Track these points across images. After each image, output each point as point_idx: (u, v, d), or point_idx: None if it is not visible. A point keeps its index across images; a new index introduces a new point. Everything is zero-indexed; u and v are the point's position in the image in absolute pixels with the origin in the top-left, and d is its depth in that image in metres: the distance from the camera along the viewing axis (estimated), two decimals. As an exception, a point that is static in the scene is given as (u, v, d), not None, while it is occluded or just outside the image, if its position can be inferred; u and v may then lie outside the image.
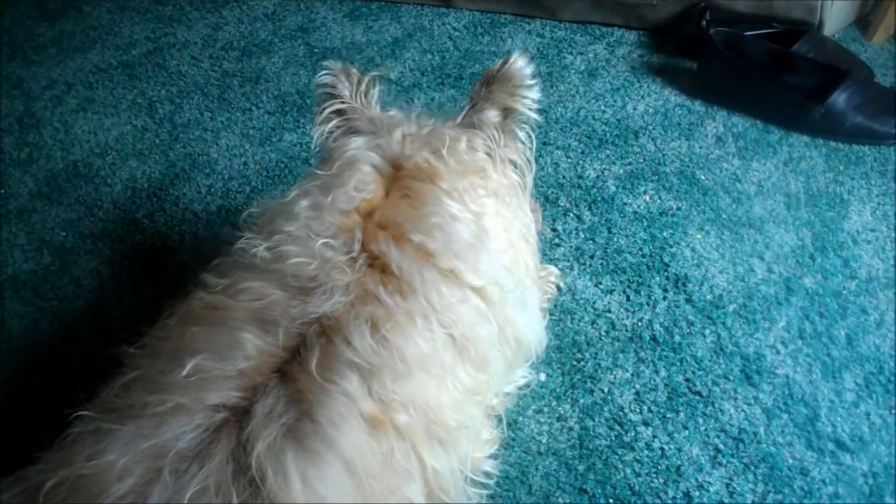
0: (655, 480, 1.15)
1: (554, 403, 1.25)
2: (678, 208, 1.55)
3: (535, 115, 1.06)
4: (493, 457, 1.12)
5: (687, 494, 1.13)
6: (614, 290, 1.41)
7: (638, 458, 1.17)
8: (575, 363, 1.30)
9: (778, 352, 1.29)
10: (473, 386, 0.90)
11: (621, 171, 1.65)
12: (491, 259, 0.96)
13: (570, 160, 1.68)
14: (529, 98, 1.05)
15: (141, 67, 2.16)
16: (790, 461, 1.15)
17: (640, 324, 1.35)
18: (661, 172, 1.63)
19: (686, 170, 1.63)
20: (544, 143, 1.73)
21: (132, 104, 2.01)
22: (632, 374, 1.28)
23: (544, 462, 1.18)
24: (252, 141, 1.85)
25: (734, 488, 1.13)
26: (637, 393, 1.25)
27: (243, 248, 0.92)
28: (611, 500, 1.13)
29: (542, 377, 1.28)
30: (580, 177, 1.64)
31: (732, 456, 1.16)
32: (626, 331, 1.34)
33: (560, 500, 1.14)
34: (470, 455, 0.95)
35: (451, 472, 0.87)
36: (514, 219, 1.07)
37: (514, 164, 1.10)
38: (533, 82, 1.04)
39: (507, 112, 1.06)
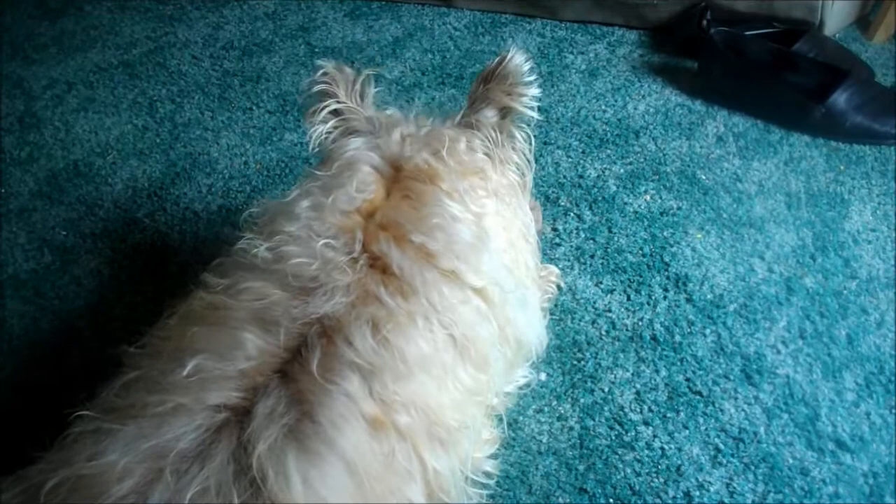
0: (656, 480, 1.15)
1: (554, 403, 1.25)
2: (679, 208, 1.55)
3: (533, 114, 1.05)
4: (494, 456, 1.12)
5: (687, 494, 1.13)
6: (615, 290, 1.41)
7: (638, 457, 1.17)
8: (575, 363, 1.30)
9: (778, 351, 1.29)
10: (474, 386, 0.90)
11: (622, 170, 1.65)
12: (492, 259, 0.96)
13: (570, 160, 1.68)
14: (527, 96, 1.04)
15: (142, 67, 2.16)
16: (790, 461, 1.15)
17: (640, 323, 1.35)
18: (661, 172, 1.63)
19: (687, 169, 1.63)
20: (545, 143, 1.73)
21: (133, 103, 2.01)
22: (632, 374, 1.28)
23: (544, 462, 1.18)
24: (253, 140, 1.85)
25: (734, 488, 1.13)
26: (637, 392, 1.25)
27: (244, 249, 0.92)
28: (611, 500, 1.13)
29: (543, 377, 1.28)
30: (581, 176, 1.64)
31: (733, 455, 1.16)
32: (627, 330, 1.34)
33: (560, 499, 1.14)
34: (470, 455, 0.95)
35: (451, 472, 0.87)
36: (514, 219, 1.07)
37: (514, 164, 1.10)
38: (530, 80, 1.04)
39: (505, 111, 1.05)
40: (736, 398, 1.23)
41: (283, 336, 0.79)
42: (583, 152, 1.70)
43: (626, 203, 1.57)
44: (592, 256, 1.47)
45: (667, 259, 1.45)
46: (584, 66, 1.95)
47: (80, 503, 0.67)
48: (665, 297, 1.38)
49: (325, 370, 0.77)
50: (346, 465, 0.73)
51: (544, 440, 1.21)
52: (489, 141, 1.04)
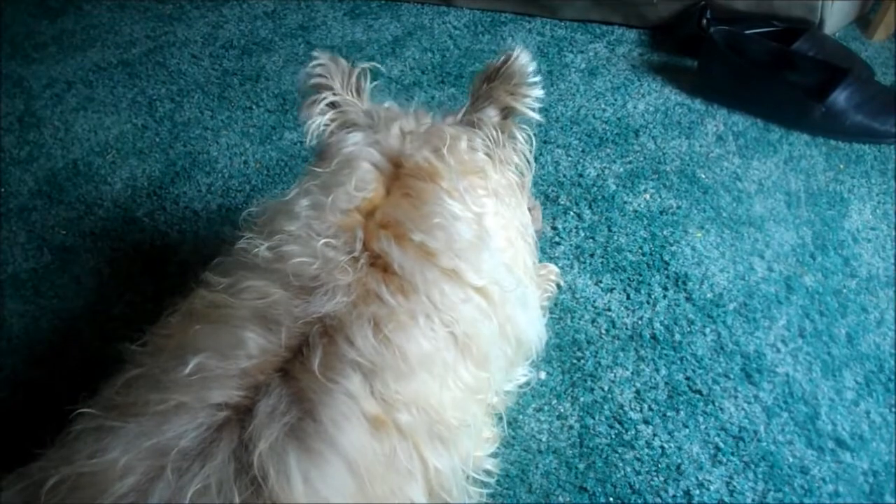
0: (656, 479, 1.15)
1: (554, 402, 1.25)
2: (678, 207, 1.55)
3: (536, 115, 1.05)
4: (494, 455, 1.12)
5: (687, 493, 1.13)
6: (614, 289, 1.41)
7: (638, 456, 1.17)
8: (575, 361, 1.30)
9: (778, 350, 1.29)
10: (475, 384, 0.90)
11: (622, 169, 1.65)
12: (492, 258, 0.95)
13: (570, 158, 1.68)
14: (531, 97, 1.03)
15: (141, 66, 2.16)
16: (790, 459, 1.15)
17: (640, 322, 1.35)
18: (661, 171, 1.63)
19: (686, 168, 1.63)
20: (545, 142, 1.73)
21: (132, 102, 2.01)
22: (632, 373, 1.28)
23: (544, 460, 1.18)
24: (252, 139, 1.85)
25: (734, 486, 1.13)
26: (637, 391, 1.25)
27: (244, 248, 0.92)
28: (611, 499, 1.13)
29: (543, 375, 1.28)
30: (580, 175, 1.64)
31: (733, 454, 1.16)
32: (627, 329, 1.34)
33: (560, 498, 1.14)
34: (472, 453, 0.95)
35: (452, 471, 0.87)
36: (513, 218, 1.07)
37: (514, 165, 1.09)
38: (535, 80, 1.03)
39: (507, 112, 1.04)
40: (736, 397, 1.23)
41: (284, 335, 0.79)
42: (582, 151, 1.70)
43: (625, 202, 1.57)
44: (592, 255, 1.47)
45: (666, 258, 1.45)
46: (583, 65, 1.95)
47: (81, 501, 0.68)
48: (665, 296, 1.38)
49: (327, 369, 0.77)
50: (347, 465, 0.73)
51: (544, 439, 1.21)
52: (490, 140, 1.04)
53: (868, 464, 1.14)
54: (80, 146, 1.88)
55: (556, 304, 1.39)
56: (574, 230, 1.52)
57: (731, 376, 1.26)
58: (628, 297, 1.39)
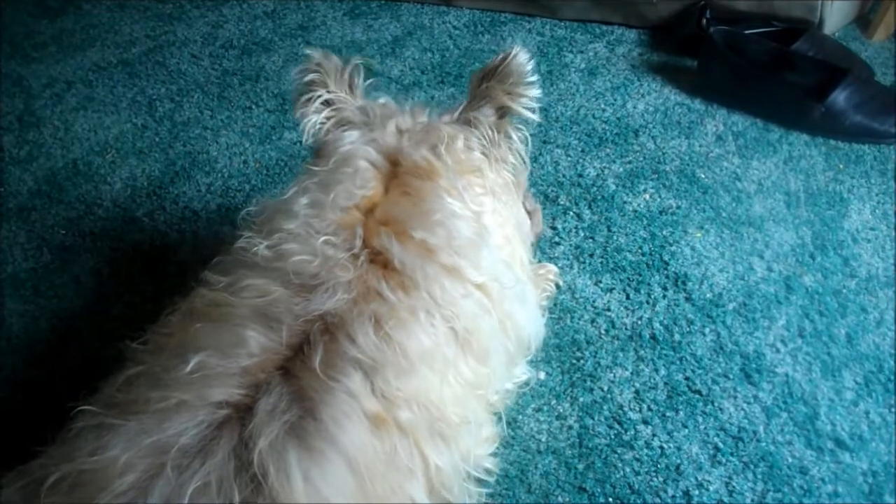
0: (655, 479, 1.15)
1: (553, 402, 1.25)
2: (678, 207, 1.55)
3: (533, 116, 1.04)
4: (493, 455, 1.12)
5: (686, 493, 1.13)
6: (614, 289, 1.41)
7: (637, 456, 1.17)
8: (574, 361, 1.30)
9: (777, 350, 1.29)
10: (475, 379, 0.91)
11: (621, 169, 1.65)
12: (491, 255, 0.96)
13: (570, 158, 1.68)
14: (528, 97, 1.02)
15: (141, 65, 2.16)
16: (790, 460, 1.15)
17: (639, 322, 1.35)
18: (660, 171, 1.63)
19: (686, 168, 1.63)
20: (544, 142, 1.73)
21: (132, 102, 2.01)
22: (631, 373, 1.28)
23: (544, 460, 1.18)
24: (252, 139, 1.84)
25: (733, 487, 1.13)
26: (637, 391, 1.25)
27: (244, 247, 0.92)
28: (610, 499, 1.13)
29: (542, 375, 1.28)
30: (580, 175, 1.64)
31: (732, 454, 1.16)
32: (626, 329, 1.34)
33: (559, 498, 1.14)
34: (472, 451, 0.95)
35: (453, 468, 0.87)
36: (510, 216, 1.07)
37: (509, 164, 1.09)
38: (533, 80, 1.02)
39: (503, 111, 1.04)
40: (735, 397, 1.23)
41: (285, 333, 0.79)
42: (582, 151, 1.70)
43: (625, 202, 1.57)
44: (591, 255, 1.47)
45: (666, 258, 1.45)
46: (583, 65, 1.95)
47: (82, 498, 0.68)
48: (664, 296, 1.38)
49: (328, 367, 0.77)
50: (347, 463, 0.73)
51: (543, 439, 1.21)
52: (486, 139, 1.04)
53: (867, 464, 1.14)
54: (80, 146, 1.88)
55: (555, 304, 1.39)
56: (573, 230, 1.52)
57: (731, 376, 1.26)
58: (628, 298, 1.39)
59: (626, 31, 2.06)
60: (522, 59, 1.00)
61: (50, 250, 1.61)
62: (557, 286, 1.40)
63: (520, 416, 1.23)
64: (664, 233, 1.49)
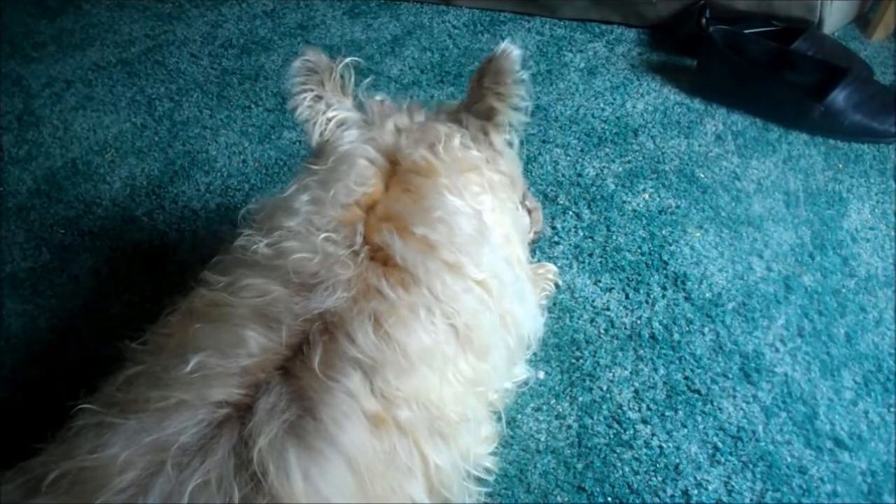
0: (654, 479, 1.15)
1: (553, 401, 1.25)
2: (677, 206, 1.55)
3: (521, 117, 1.03)
4: (492, 454, 1.12)
5: (685, 493, 1.13)
6: (613, 288, 1.41)
7: (636, 456, 1.17)
8: (574, 361, 1.30)
9: (777, 350, 1.29)
10: (474, 377, 0.91)
11: (620, 169, 1.65)
12: (492, 253, 0.96)
13: (569, 158, 1.68)
14: (516, 98, 1.00)
15: (140, 65, 2.15)
16: (789, 459, 1.15)
17: (639, 322, 1.35)
18: (660, 170, 1.63)
19: (685, 168, 1.63)
20: (543, 141, 1.73)
21: (131, 102, 2.01)
22: (631, 372, 1.28)
23: (543, 460, 1.18)
24: (251, 139, 1.84)
25: (733, 486, 1.13)
26: (636, 391, 1.25)
27: (243, 246, 0.92)
28: (609, 499, 1.13)
29: (541, 375, 1.28)
30: (579, 175, 1.64)
31: (731, 454, 1.16)
32: (625, 329, 1.34)
33: (558, 498, 1.14)
34: (472, 450, 0.95)
35: (453, 467, 0.87)
36: (508, 213, 1.07)
37: (503, 162, 1.08)
38: (520, 80, 0.98)
39: (491, 112, 1.03)
40: (734, 397, 1.23)
41: (284, 333, 0.79)
42: (581, 150, 1.70)
43: (624, 201, 1.57)
44: (591, 255, 1.47)
45: (665, 257, 1.45)
46: (582, 65, 1.95)
47: (82, 495, 0.68)
48: (664, 296, 1.38)
49: (327, 367, 0.77)
50: (347, 463, 0.73)
51: (542, 439, 1.21)
52: (476, 140, 1.04)
53: (866, 464, 1.14)
54: (79, 145, 1.88)
55: (554, 304, 1.39)
56: (573, 230, 1.52)
57: (730, 376, 1.26)
58: (627, 297, 1.39)
59: (625, 31, 2.06)
60: (509, 57, 0.96)
61: (49, 249, 1.61)
62: (557, 286, 1.40)
63: (519, 416, 1.23)
64: (663, 232, 1.49)
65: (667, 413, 1.22)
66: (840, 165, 1.59)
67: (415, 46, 2.09)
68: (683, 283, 1.40)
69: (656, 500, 1.12)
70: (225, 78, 2.06)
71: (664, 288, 1.40)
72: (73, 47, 2.26)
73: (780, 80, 1.66)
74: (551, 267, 1.41)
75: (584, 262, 1.46)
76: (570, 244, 1.49)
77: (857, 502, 1.10)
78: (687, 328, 1.33)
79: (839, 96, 1.60)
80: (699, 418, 1.21)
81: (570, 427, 1.22)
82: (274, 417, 0.72)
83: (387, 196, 0.94)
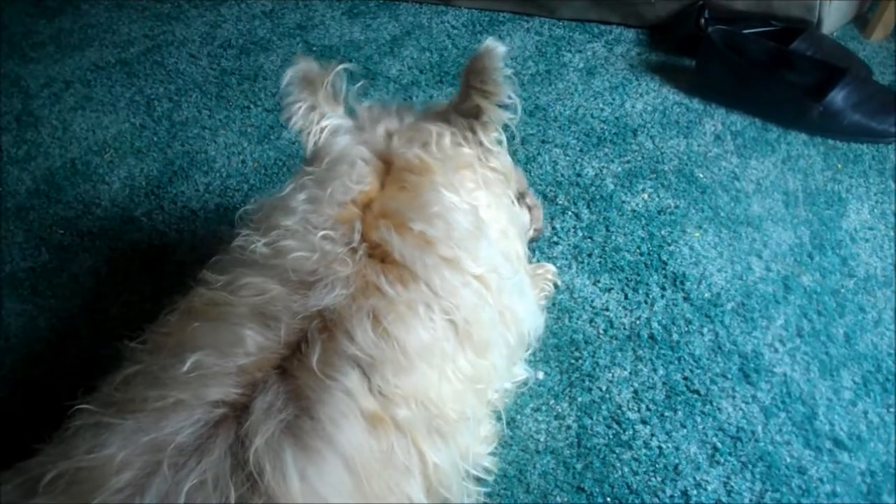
0: (653, 479, 1.15)
1: (552, 402, 1.25)
2: (676, 206, 1.55)
3: (507, 114, 1.01)
4: (491, 454, 1.12)
5: (685, 493, 1.13)
6: (612, 289, 1.41)
7: (636, 456, 1.17)
8: (573, 361, 1.30)
9: (776, 350, 1.29)
10: (474, 374, 0.91)
11: (620, 169, 1.65)
12: (490, 247, 0.96)
13: (568, 158, 1.68)
14: (501, 96, 0.99)
15: (139, 65, 2.15)
16: (788, 460, 1.15)
17: (638, 322, 1.35)
18: (659, 171, 1.63)
19: (684, 168, 1.63)
20: (542, 141, 1.73)
21: (130, 102, 2.01)
22: (630, 373, 1.28)
23: (542, 460, 1.18)
24: (250, 139, 1.84)
25: (732, 487, 1.13)
26: (635, 391, 1.25)
27: (241, 245, 0.92)
28: (609, 499, 1.13)
29: (541, 375, 1.28)
30: (578, 175, 1.64)
31: (730, 454, 1.16)
32: (625, 329, 1.34)
33: (558, 498, 1.14)
34: (470, 449, 0.96)
35: (451, 466, 0.88)
36: (504, 208, 1.07)
37: (496, 159, 1.08)
38: (506, 77, 0.97)
39: (478, 110, 1.02)
40: (733, 397, 1.23)
41: (283, 332, 0.79)
42: (580, 151, 1.70)
43: (623, 201, 1.57)
44: (590, 255, 1.47)
45: (664, 258, 1.45)
46: (581, 65, 1.95)
47: (79, 495, 0.68)
48: (663, 296, 1.38)
49: (325, 366, 0.77)
50: (344, 462, 0.73)
51: (542, 439, 1.21)
52: (467, 139, 1.04)
53: (866, 464, 1.14)
54: (78, 145, 1.88)
55: (553, 304, 1.39)
56: (572, 230, 1.52)
57: (729, 376, 1.26)
58: (626, 297, 1.39)
59: (624, 31, 2.06)
60: (493, 55, 0.94)
61: (48, 250, 1.61)
62: (556, 286, 1.40)
63: (518, 416, 1.23)
64: (662, 232, 1.49)
65: (666, 413, 1.22)
66: (839, 165, 1.59)
67: (414, 47, 2.09)
68: (682, 283, 1.40)
69: (655, 500, 1.12)
70: (224, 78, 2.06)
71: (663, 288, 1.40)
72: (72, 47, 2.26)
73: (778, 80, 1.67)
74: (550, 267, 1.41)
75: (583, 263, 1.46)
76: (569, 244, 1.49)
77: (857, 502, 1.10)
78: (686, 328, 1.33)
79: (838, 96, 1.60)
80: (698, 419, 1.21)
81: (569, 427, 1.22)
82: (270, 417, 0.72)
83: (383, 194, 0.95)
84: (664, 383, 1.26)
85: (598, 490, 1.14)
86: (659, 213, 1.54)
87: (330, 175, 0.95)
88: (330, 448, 0.73)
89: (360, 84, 1.09)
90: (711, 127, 1.72)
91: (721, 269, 1.42)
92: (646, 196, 1.58)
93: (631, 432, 1.20)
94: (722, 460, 1.16)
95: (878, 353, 1.27)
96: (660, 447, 1.18)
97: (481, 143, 1.04)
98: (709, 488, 1.13)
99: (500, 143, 1.07)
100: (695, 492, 1.13)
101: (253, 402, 0.73)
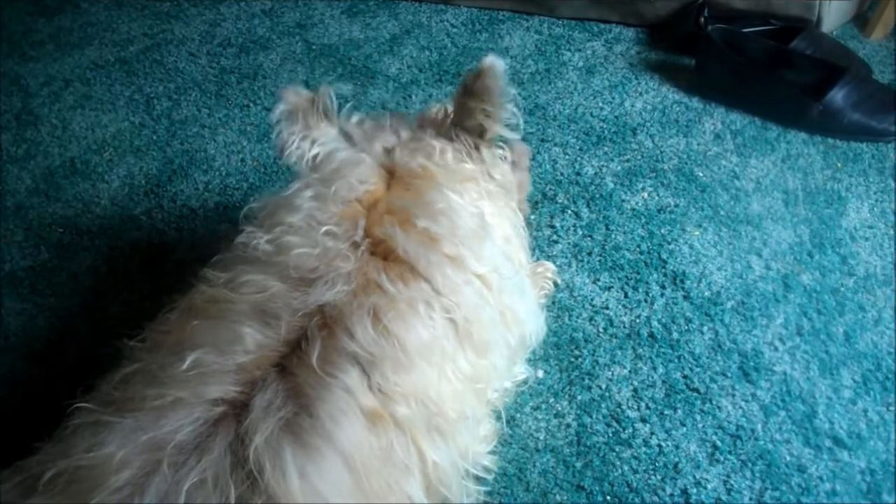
0: (653, 477, 1.15)
1: (552, 400, 1.25)
2: (676, 205, 1.54)
3: (512, 134, 1.01)
4: (491, 453, 1.12)
5: (684, 491, 1.13)
6: (612, 287, 1.41)
7: (635, 454, 1.17)
8: (573, 360, 1.30)
9: (776, 349, 1.29)
10: (473, 374, 0.91)
11: (619, 167, 1.65)
12: (493, 248, 0.97)
13: (568, 157, 1.68)
14: (506, 115, 0.99)
15: (138, 64, 2.15)
16: (788, 458, 1.15)
17: (637, 320, 1.35)
18: (659, 169, 1.63)
19: (684, 167, 1.63)
20: (542, 140, 1.73)
21: (130, 101, 2.01)
22: (629, 371, 1.28)
23: (542, 459, 1.18)
24: (250, 137, 1.84)
25: (732, 485, 1.13)
26: (635, 390, 1.25)
27: (244, 242, 0.93)
28: (608, 497, 1.13)
29: (540, 374, 1.28)
30: (578, 174, 1.64)
31: (730, 453, 1.16)
32: (624, 327, 1.34)
33: (557, 497, 1.14)
34: (470, 448, 0.96)
35: (451, 465, 0.88)
36: (507, 218, 1.07)
37: (499, 173, 1.08)
38: (509, 98, 0.97)
39: (482, 130, 1.01)
40: (733, 395, 1.23)
41: (283, 329, 0.79)
42: (580, 149, 1.70)
43: (623, 200, 1.57)
44: (590, 254, 1.47)
45: (664, 256, 1.45)
46: (581, 64, 1.95)
47: (78, 493, 0.68)
48: (662, 295, 1.38)
49: (325, 363, 0.77)
50: (343, 460, 0.73)
51: (541, 437, 1.21)
52: (469, 156, 1.03)
53: (865, 462, 1.14)
54: (78, 144, 1.88)
55: (553, 303, 1.39)
56: (572, 228, 1.52)
57: (729, 375, 1.26)
58: (626, 296, 1.39)
59: (624, 30, 2.06)
60: (496, 74, 0.94)
61: (47, 248, 1.60)
62: (555, 284, 1.40)
63: (518, 415, 1.23)
64: (662, 231, 1.49)
65: (666, 412, 1.22)
66: (839, 164, 1.59)
67: (413, 45, 2.09)
68: (682, 281, 1.40)
69: (655, 498, 1.12)
70: (223, 77, 2.06)
71: (663, 286, 1.40)
72: (72, 46, 2.25)
73: (778, 78, 1.66)
74: (550, 266, 1.41)
75: (582, 261, 1.46)
76: (568, 243, 1.49)
77: (856, 501, 1.10)
78: (686, 327, 1.33)
79: (838, 95, 1.60)
80: (698, 417, 1.21)
81: (569, 426, 1.22)
82: (270, 415, 0.72)
83: (388, 194, 0.95)
84: (664, 382, 1.26)
85: (597, 488, 1.14)
86: (659, 211, 1.54)
87: (336, 175, 0.95)
88: (329, 446, 0.73)
89: (348, 105, 1.09)
90: (711, 126, 1.72)
91: (721, 267, 1.42)
92: (645, 195, 1.58)
93: (631, 430, 1.20)
94: (722, 458, 1.16)
95: (877, 352, 1.27)
96: (659, 445, 1.18)
97: (485, 161, 1.04)
98: (708, 486, 1.13)
99: (503, 159, 1.08)
100: (694, 490, 1.13)
101: (252, 401, 0.73)
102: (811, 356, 1.27)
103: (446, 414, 0.85)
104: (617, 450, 1.18)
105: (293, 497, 0.69)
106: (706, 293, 1.38)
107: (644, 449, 1.18)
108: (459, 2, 2.21)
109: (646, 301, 1.38)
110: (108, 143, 1.87)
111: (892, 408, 1.20)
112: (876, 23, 1.89)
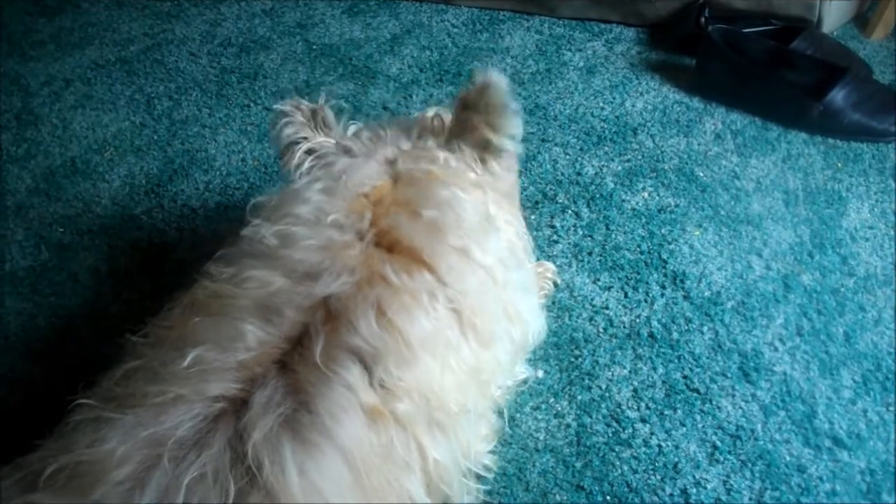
0: (653, 477, 1.15)
1: (552, 400, 1.25)
2: (676, 205, 1.55)
3: (516, 147, 1.01)
4: (491, 452, 1.12)
5: (684, 491, 1.13)
6: (612, 287, 1.41)
7: (635, 454, 1.17)
8: (573, 360, 1.30)
9: (776, 349, 1.29)
10: (476, 364, 0.91)
11: (620, 167, 1.65)
12: (498, 240, 0.97)
13: (568, 157, 1.68)
14: (510, 129, 0.99)
15: (139, 64, 2.15)
16: (787, 458, 1.15)
17: (638, 320, 1.35)
18: (659, 169, 1.63)
19: (685, 167, 1.63)
20: (543, 140, 1.73)
21: (130, 100, 2.01)
22: (629, 371, 1.28)
23: (542, 459, 1.18)
24: (250, 137, 1.84)
25: (731, 485, 1.13)
26: (635, 390, 1.25)
27: (249, 236, 0.93)
28: (608, 497, 1.13)
29: (540, 374, 1.28)
30: (579, 173, 1.64)
31: (730, 453, 1.16)
32: (624, 327, 1.34)
33: (557, 497, 1.14)
34: (471, 445, 0.96)
35: (452, 461, 0.88)
36: (512, 225, 1.08)
37: (502, 183, 1.08)
38: (513, 112, 0.97)
39: (486, 143, 1.01)
40: (733, 395, 1.23)
41: (285, 325, 0.80)
42: (581, 149, 1.70)
43: (623, 200, 1.57)
44: (590, 254, 1.47)
45: (664, 256, 1.45)
46: (581, 64, 1.95)
47: (79, 488, 0.68)
48: (662, 295, 1.38)
49: (327, 359, 0.77)
50: (342, 456, 0.73)
51: (541, 437, 1.21)
52: (475, 167, 1.04)
53: (865, 462, 1.14)
54: (78, 144, 1.88)
55: (553, 303, 1.39)
56: (572, 228, 1.52)
57: (729, 375, 1.26)
58: (626, 296, 1.39)
59: (624, 30, 2.06)
60: (499, 91, 0.93)
61: (48, 248, 1.61)
62: (556, 284, 1.40)
63: (518, 415, 1.23)
64: (663, 231, 1.49)
65: (666, 412, 1.22)
66: (839, 164, 1.59)
67: (414, 45, 2.09)
68: (682, 281, 1.40)
69: (655, 498, 1.12)
70: (224, 76, 2.06)
71: (663, 286, 1.40)
72: (72, 46, 2.25)
73: (779, 79, 1.67)
74: (550, 265, 1.41)
75: (583, 261, 1.46)
76: (569, 243, 1.49)
77: (856, 501, 1.10)
78: (686, 327, 1.33)
79: (838, 95, 1.60)
80: (698, 417, 1.21)
81: (568, 426, 1.22)
82: (269, 411, 0.72)
83: (395, 189, 0.96)
84: (664, 382, 1.26)
85: (597, 488, 1.14)
86: (659, 211, 1.54)
87: (345, 170, 0.97)
88: (329, 442, 0.73)
89: (345, 119, 1.09)
90: (711, 126, 1.72)
91: (721, 267, 1.42)
92: (646, 195, 1.58)
93: (630, 431, 1.20)
94: (721, 459, 1.16)
95: (877, 352, 1.27)
96: (659, 445, 1.18)
97: (490, 172, 1.05)
98: (708, 487, 1.13)
99: (509, 169, 1.08)
100: (694, 490, 1.13)
101: (252, 397, 0.74)
102: (811, 356, 1.27)
103: (448, 407, 0.85)
104: (617, 450, 1.18)
105: (292, 493, 0.69)
106: (706, 293, 1.38)
107: (644, 449, 1.18)
108: (460, 2, 2.21)
109: (646, 301, 1.38)
110: (109, 143, 1.87)
111: (892, 408, 1.20)
112: (876, 23, 1.89)
